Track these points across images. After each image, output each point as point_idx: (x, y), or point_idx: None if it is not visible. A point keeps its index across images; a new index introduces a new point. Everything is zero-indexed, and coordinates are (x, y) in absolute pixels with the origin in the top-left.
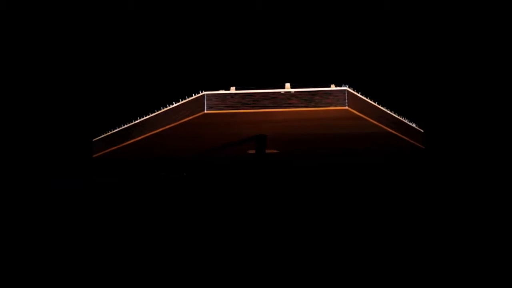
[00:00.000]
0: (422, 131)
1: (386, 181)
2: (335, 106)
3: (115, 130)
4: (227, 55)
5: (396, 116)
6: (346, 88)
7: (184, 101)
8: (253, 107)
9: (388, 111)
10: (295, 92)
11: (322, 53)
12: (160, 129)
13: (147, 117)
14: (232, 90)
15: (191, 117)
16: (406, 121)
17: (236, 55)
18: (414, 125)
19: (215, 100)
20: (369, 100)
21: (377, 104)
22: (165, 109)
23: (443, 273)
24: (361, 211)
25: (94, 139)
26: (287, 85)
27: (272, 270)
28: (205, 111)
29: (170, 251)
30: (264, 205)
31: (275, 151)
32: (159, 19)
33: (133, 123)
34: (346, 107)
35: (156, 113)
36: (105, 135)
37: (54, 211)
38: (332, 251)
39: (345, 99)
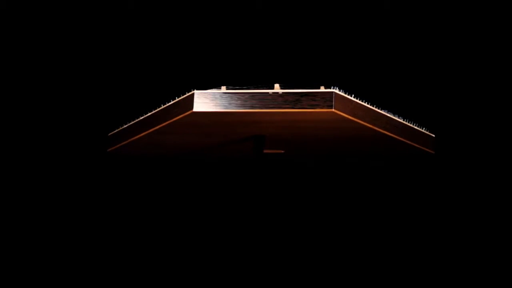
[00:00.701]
0: (433, 135)
1: (389, 184)
2: (321, 108)
3: (128, 124)
4: (235, 55)
5: (398, 119)
6: (333, 90)
7: (177, 99)
8: (240, 107)
9: (388, 114)
10: (283, 93)
11: (336, 56)
12: (158, 127)
13: (148, 114)
14: (223, 89)
15: (181, 116)
16: (413, 125)
17: (244, 55)
18: (424, 129)
19: (204, 99)
20: (362, 103)
21: (376, 107)
22: (163, 106)
23: (446, 277)
24: (363, 213)
25: (109, 134)
26: (276, 85)
27: (269, 270)
28: (194, 110)
29: (170, 251)
30: (259, 204)
31: (281, 151)
32: (169, 20)
33: (137, 120)
34: (332, 109)
35: (155, 111)
36: (118, 129)
37: (59, 210)
38: (328, 253)
39: (332, 101)
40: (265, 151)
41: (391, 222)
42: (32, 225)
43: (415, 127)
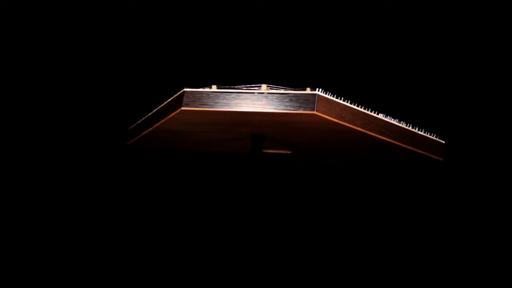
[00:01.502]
0: (443, 142)
1: (394, 190)
2: (304, 110)
3: (141, 120)
4: (241, 55)
5: (397, 124)
6: (316, 92)
7: (172, 97)
8: (226, 106)
9: (385, 119)
10: (267, 93)
11: (348, 59)
12: (158, 124)
13: (152, 112)
14: (214, 88)
15: (173, 114)
16: (419, 131)
17: (247, 55)
18: (434, 136)
19: (192, 97)
20: (352, 106)
21: (374, 112)
22: (163, 104)
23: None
24: (362, 216)
25: (129, 128)
26: (264, 85)
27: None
28: (182, 108)
29: (169, 250)
30: (255, 203)
31: (288, 151)
32: (180, 23)
33: (146, 116)
34: (314, 112)
35: (157, 108)
36: (133, 125)
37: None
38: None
39: (314, 103)
40: (270, 151)
41: (392, 226)
42: (52, 218)
43: (419, 133)
